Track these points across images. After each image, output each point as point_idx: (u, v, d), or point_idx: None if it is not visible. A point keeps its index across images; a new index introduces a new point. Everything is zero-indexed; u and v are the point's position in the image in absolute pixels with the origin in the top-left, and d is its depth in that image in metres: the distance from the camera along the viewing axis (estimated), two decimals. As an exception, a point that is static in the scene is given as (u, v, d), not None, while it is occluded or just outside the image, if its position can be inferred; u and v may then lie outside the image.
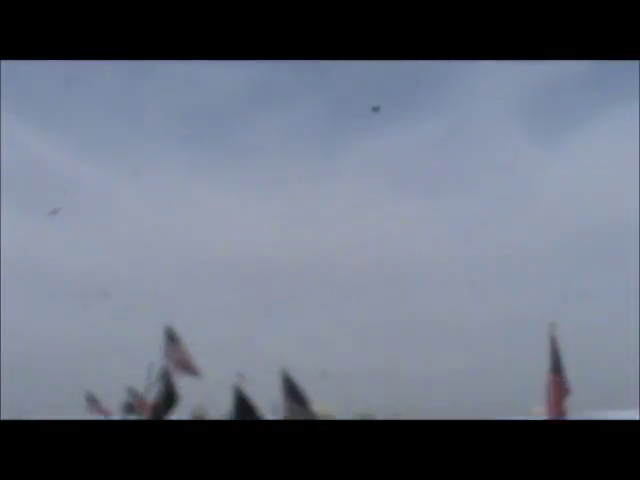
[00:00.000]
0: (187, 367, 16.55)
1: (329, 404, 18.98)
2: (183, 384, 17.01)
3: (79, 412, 25.53)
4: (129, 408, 23.56)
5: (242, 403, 12.75)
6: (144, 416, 21.15)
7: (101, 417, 24.79)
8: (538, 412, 20.82)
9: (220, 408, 15.22)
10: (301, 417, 13.62)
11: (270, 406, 13.95)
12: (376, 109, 20.96)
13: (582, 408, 20.46)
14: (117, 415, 24.98)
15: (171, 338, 16.37)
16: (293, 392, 13.89)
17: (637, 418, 10.91)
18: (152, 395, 16.31)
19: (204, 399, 15.65)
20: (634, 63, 5.65)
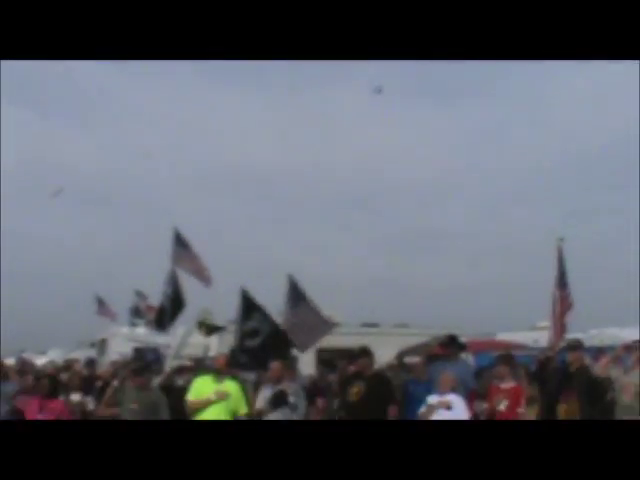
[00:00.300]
0: (197, 273, 16.66)
1: (335, 311, 19.14)
2: (190, 288, 17.15)
3: (88, 314, 25.83)
4: (136, 311, 23.81)
5: (248, 306, 12.86)
6: (150, 320, 21.30)
7: (108, 320, 25.00)
8: (542, 327, 21.08)
9: (227, 313, 15.34)
10: (305, 316, 13.89)
11: (275, 309, 14.14)
12: (379, 90, 20.41)
13: (584, 325, 20.72)
14: (124, 318, 25.32)
15: (179, 242, 16.43)
16: (297, 295, 14.09)
17: (636, 337, 10.97)
18: (159, 299, 16.40)
19: (211, 304, 15.70)
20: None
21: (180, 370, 11.03)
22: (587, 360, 10.04)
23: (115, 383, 9.72)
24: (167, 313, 16.35)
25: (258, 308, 12.97)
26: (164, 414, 8.96)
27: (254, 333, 12.69)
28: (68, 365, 15.00)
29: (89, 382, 11.47)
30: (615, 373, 8.93)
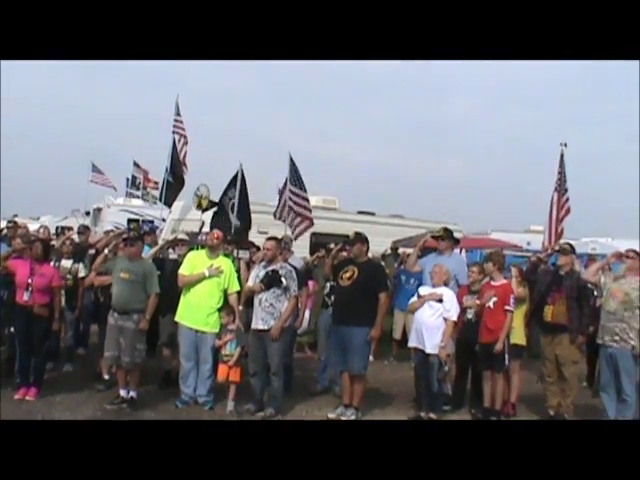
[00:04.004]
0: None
1: (334, 197, 19.17)
2: (190, 165, 17.10)
3: (83, 180, 25.68)
4: (134, 182, 23.74)
5: (243, 185, 12.88)
6: (147, 192, 21.14)
7: (104, 187, 24.84)
8: (536, 230, 21.17)
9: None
10: (299, 200, 13.96)
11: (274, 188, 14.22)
12: None
13: (577, 233, 20.84)
14: (121, 189, 25.19)
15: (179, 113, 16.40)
16: (296, 177, 14.10)
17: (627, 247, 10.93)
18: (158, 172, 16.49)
19: (210, 180, 15.68)
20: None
21: (174, 243, 11.01)
22: (577, 266, 10.11)
23: (107, 252, 9.70)
24: (169, 188, 16.35)
25: (245, 189, 13.03)
26: (154, 286, 8.98)
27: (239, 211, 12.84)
28: (61, 231, 14.92)
29: (82, 249, 11.44)
30: (604, 279, 8.98)
